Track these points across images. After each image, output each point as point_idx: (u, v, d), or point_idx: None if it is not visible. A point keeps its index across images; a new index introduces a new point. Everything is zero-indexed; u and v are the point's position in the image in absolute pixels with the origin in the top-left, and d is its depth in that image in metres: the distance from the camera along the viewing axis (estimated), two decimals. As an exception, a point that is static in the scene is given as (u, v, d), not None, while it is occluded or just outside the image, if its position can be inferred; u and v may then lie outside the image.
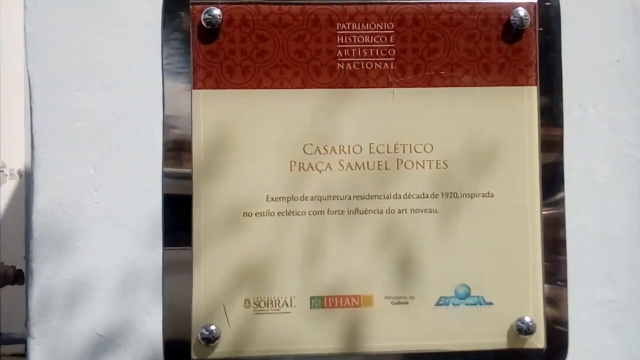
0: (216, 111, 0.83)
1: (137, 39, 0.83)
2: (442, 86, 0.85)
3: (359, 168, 0.84)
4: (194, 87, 0.83)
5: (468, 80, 0.85)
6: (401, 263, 0.84)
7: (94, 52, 0.83)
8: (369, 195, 0.84)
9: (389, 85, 0.84)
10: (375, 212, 0.84)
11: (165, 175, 0.82)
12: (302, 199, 0.83)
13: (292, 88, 0.84)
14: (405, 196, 0.84)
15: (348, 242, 0.83)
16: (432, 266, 0.84)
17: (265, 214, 0.83)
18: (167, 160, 0.82)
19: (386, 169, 0.84)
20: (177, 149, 0.83)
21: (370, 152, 0.84)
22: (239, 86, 0.83)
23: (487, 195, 0.85)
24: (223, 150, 0.83)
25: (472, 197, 0.84)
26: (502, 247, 0.85)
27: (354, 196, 0.84)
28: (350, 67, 0.84)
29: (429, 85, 0.85)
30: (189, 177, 0.82)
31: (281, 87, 0.83)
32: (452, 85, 0.85)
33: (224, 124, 0.83)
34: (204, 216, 0.82)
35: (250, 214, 0.83)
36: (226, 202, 0.82)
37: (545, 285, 0.84)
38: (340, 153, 0.84)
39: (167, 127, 0.83)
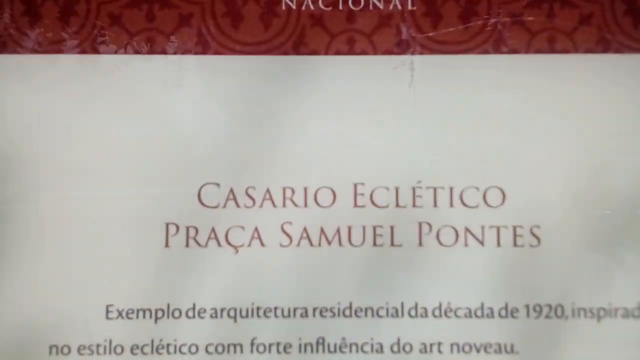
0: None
1: None
2: (529, 52, 0.36)
3: (328, 241, 0.36)
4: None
5: (590, 37, 0.36)
6: None
7: None
8: (350, 307, 0.35)
9: (402, 48, 0.36)
10: (366, 349, 0.35)
11: None
12: (190, 314, 0.35)
13: (162, 53, 0.36)
14: (438, 312, 0.35)
15: None
16: None
17: (101, 350, 0.35)
18: None
19: (392, 245, 0.36)
20: None
21: (355, 206, 0.36)
22: (29, 49, 0.36)
23: (635, 313, 0.35)
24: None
25: (598, 318, 0.35)
26: None
27: (314, 309, 0.35)
28: (311, 8, 0.36)
29: (496, 50, 0.36)
30: None
31: (137, 50, 0.36)
32: (552, 50, 0.36)
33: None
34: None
35: (65, 350, 0.35)
36: (8, 320, 0.35)
37: None
38: (284, 206, 0.36)
39: None
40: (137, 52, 0.35)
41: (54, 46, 0.35)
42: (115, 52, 0.35)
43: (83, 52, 0.35)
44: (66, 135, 0.35)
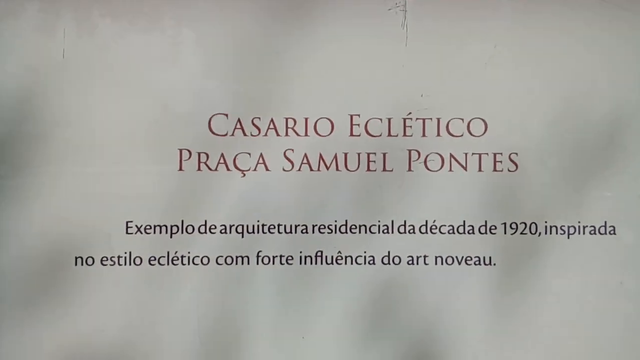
0: (31, 42, 0.39)
1: None
2: (507, -5, 0.40)
3: (326, 166, 0.40)
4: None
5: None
6: (412, 375, 0.39)
7: None
8: (345, 224, 0.39)
9: (395, -10, 0.40)
10: (359, 261, 0.39)
11: None
12: (202, 230, 0.39)
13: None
14: (424, 229, 0.39)
15: (303, 325, 0.39)
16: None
17: (122, 262, 0.39)
18: None
19: (384, 170, 0.40)
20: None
21: (351, 135, 0.40)
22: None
23: (601, 230, 0.39)
24: (34, 126, 0.39)
25: (568, 235, 0.39)
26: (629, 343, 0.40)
27: (313, 226, 0.39)
28: (312, -46, 0.40)
29: (481, -7, 0.40)
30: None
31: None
32: (530, -7, 0.40)
33: (44, 66, 0.39)
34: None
35: (89, 261, 0.39)
36: (38, 234, 0.39)
37: None
38: (286, 135, 0.40)
39: None
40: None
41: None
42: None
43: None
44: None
